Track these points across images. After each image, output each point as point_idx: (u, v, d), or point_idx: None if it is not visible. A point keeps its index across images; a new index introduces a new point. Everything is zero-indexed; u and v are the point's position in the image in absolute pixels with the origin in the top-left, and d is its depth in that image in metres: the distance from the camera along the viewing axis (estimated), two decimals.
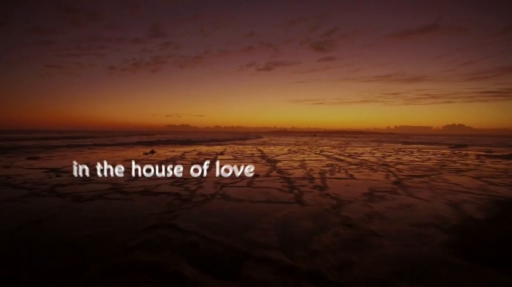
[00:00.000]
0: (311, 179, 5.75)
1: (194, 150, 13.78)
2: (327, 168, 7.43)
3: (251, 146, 18.21)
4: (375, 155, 12.37)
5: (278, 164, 8.20)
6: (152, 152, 12.76)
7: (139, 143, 20.58)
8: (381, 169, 7.53)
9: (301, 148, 17.04)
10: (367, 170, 7.20)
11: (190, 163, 8.31)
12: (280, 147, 17.95)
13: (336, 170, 7.16)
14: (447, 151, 15.30)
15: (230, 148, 15.66)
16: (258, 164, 8.14)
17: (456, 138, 50.08)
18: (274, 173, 6.50)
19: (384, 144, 24.39)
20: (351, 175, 6.31)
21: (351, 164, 8.62)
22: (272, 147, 17.52)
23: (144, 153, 11.93)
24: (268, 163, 8.40)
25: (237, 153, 12.14)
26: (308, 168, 7.49)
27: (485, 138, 50.90)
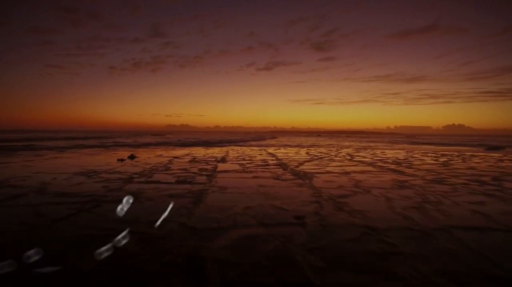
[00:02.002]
0: (426, 233, 2.63)
1: (188, 155, 10.65)
2: (408, 193, 4.30)
3: (257, 148, 15.09)
4: (427, 161, 9.25)
5: (316, 182, 5.08)
6: (132, 157, 9.65)
7: (127, 145, 17.52)
8: (494, 191, 4.41)
9: (320, 151, 13.91)
10: (480, 196, 4.08)
11: (174, 177, 5.21)
12: (293, 149, 14.82)
13: (431, 197, 4.02)
14: (503, 156, 12.18)
15: (233, 152, 12.52)
16: (286, 182, 5.02)
17: (461, 139, 47.12)
18: (330, 208, 3.37)
19: (409, 146, 21.27)
20: (480, 213, 3.19)
21: (424, 179, 5.51)
22: (282, 150, 14.39)
23: (118, 160, 8.81)
24: (299, 179, 5.28)
25: (244, 159, 9.01)
26: (374, 191, 4.36)
27: (491, 138, 47.84)
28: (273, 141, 26.58)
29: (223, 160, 8.82)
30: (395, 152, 14.03)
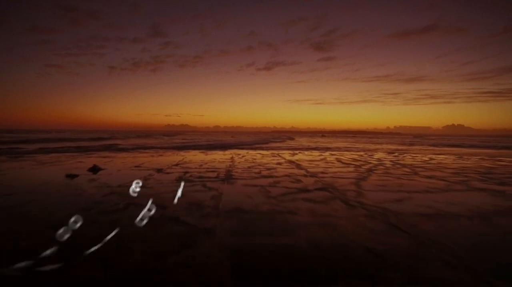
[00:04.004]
0: None
1: (178, 164, 7.53)
2: None
3: (268, 153, 12.02)
4: None
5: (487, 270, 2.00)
6: (94, 169, 6.55)
7: (109, 148, 14.46)
8: None
9: (352, 157, 10.83)
10: None
11: (131, 246, 2.06)
12: (313, 154, 11.74)
13: None
14: None
15: (240, 159, 9.42)
16: (399, 265, 1.93)
17: (471, 139, 44.75)
18: None
19: (438, 149, 18.29)
20: None
21: None
22: (301, 155, 11.34)
23: (67, 176, 5.69)
24: (424, 248, 2.22)
25: (260, 174, 5.94)
26: None
27: (502, 139, 45.22)
28: (279, 144, 23.58)
29: (228, 176, 5.72)
30: (445, 158, 10.98)
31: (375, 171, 6.68)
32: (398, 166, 7.92)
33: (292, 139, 35.09)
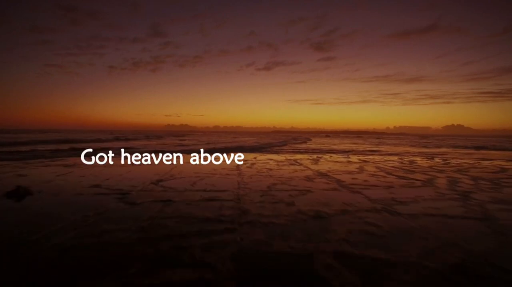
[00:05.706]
0: None
1: (158, 183, 4.99)
2: None
3: (282, 159, 9.52)
4: None
5: None
6: (18, 195, 4.00)
7: (72, 152, 11.85)
8: None
9: (384, 164, 8.33)
10: None
11: None
12: (337, 158, 9.24)
13: None
14: None
15: (249, 170, 6.88)
16: None
17: (473, 140, 42.70)
18: None
19: (467, 151, 15.87)
20: None
21: None
22: (324, 162, 8.86)
23: None
24: None
25: (294, 202, 3.45)
26: None
27: (500, 139, 43.08)
28: (285, 146, 21.15)
29: (241, 217, 3.19)
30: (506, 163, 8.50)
31: (474, 197, 4.16)
32: (484, 182, 5.41)
33: (309, 139, 32.51)
